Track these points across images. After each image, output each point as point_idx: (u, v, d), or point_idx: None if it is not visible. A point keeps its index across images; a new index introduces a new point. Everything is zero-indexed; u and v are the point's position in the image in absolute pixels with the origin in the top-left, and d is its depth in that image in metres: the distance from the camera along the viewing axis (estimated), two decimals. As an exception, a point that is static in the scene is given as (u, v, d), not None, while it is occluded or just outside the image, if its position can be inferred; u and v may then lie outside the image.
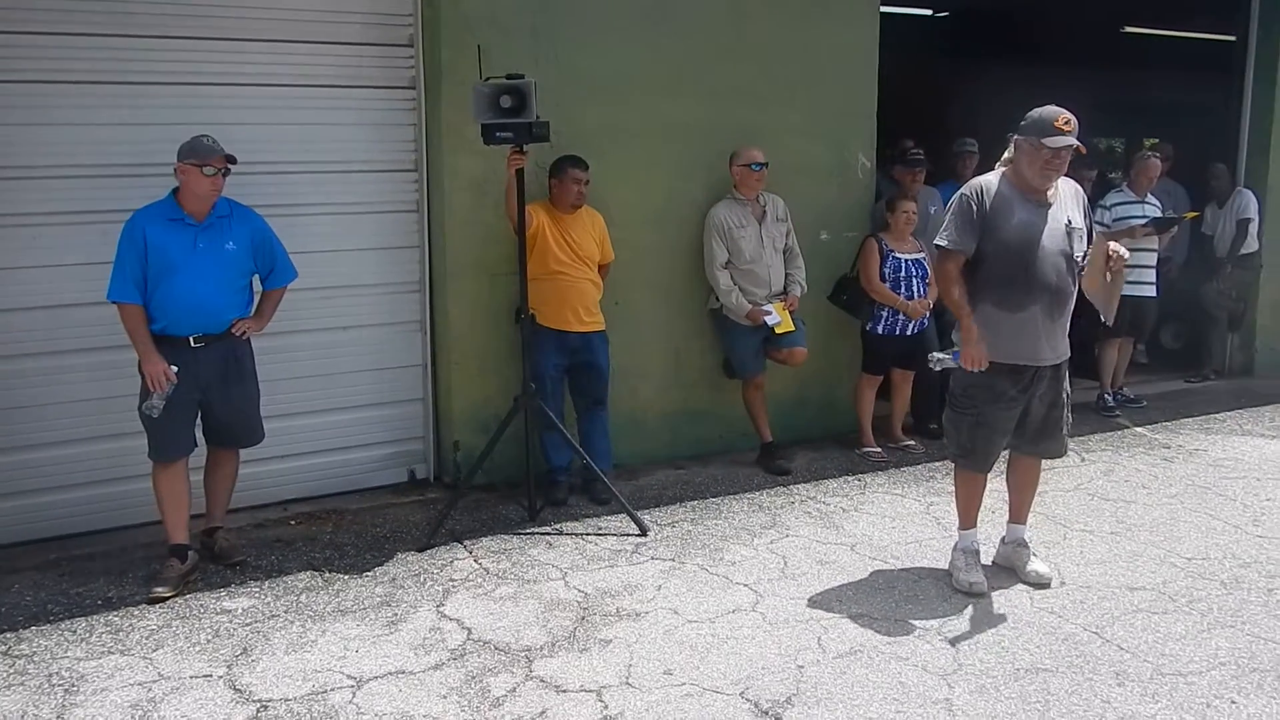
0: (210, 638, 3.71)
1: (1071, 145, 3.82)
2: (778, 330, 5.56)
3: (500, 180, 4.86)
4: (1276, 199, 7.79)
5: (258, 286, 4.42)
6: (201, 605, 3.98)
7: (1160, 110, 9.52)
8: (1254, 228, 7.74)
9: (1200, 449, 6.13)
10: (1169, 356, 8.65)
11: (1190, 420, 6.81)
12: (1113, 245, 4.00)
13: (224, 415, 4.30)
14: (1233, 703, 3.24)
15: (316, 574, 4.29)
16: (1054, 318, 3.95)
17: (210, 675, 3.44)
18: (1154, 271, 7.08)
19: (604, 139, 5.40)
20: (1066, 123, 3.80)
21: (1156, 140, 9.03)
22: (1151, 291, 7.07)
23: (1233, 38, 8.36)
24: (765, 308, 5.53)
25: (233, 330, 4.24)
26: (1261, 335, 8.17)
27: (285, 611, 3.93)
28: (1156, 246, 7.05)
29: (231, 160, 4.12)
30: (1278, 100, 7.95)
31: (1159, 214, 7.00)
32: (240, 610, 3.94)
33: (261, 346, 4.53)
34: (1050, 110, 3.84)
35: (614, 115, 5.47)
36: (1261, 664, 3.48)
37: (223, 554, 4.38)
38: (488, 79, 4.44)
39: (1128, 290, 6.84)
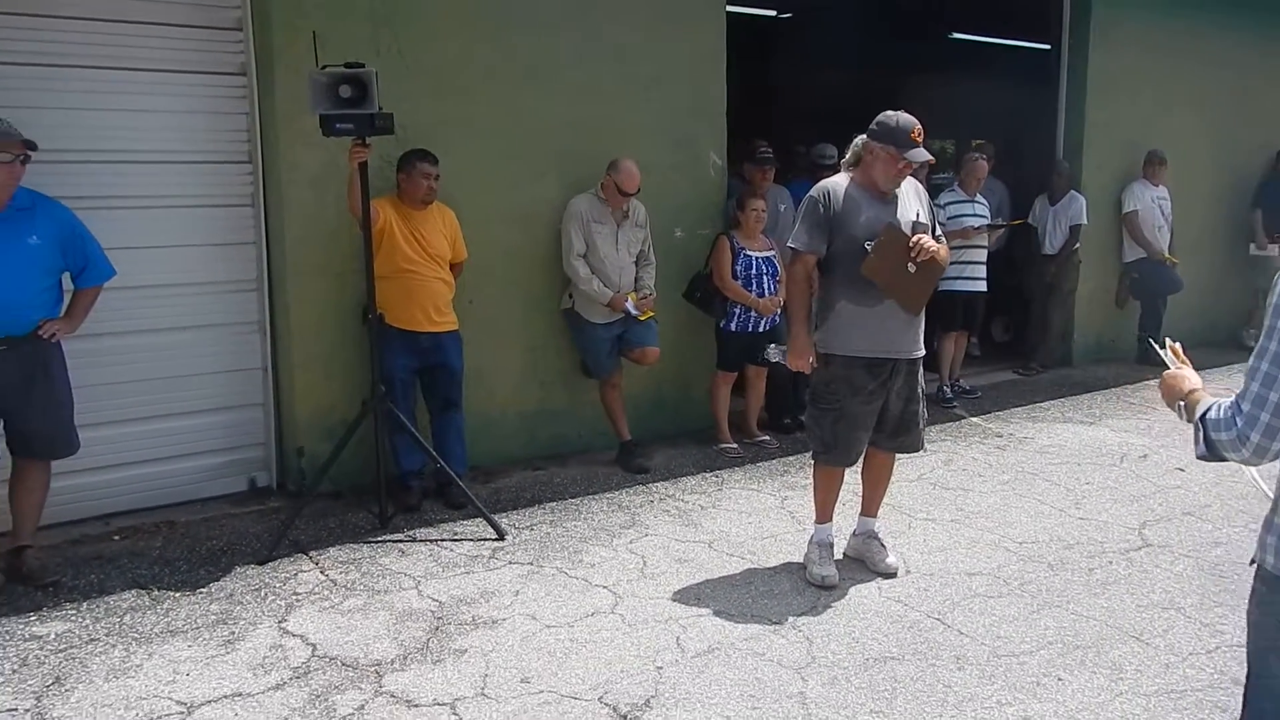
0: (17, 667, 3.39)
1: (928, 159, 4.00)
2: (641, 318, 5.55)
3: (343, 174, 4.66)
4: (1091, 197, 8.31)
5: (69, 285, 4.11)
6: (7, 632, 3.64)
7: (985, 113, 10.05)
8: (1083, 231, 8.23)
9: (1029, 437, 6.48)
10: (998, 348, 9.14)
11: (1019, 409, 7.19)
12: (919, 235, 3.98)
13: (28, 424, 3.96)
14: (1059, 680, 3.41)
15: (143, 592, 4.00)
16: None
17: (15, 709, 3.14)
18: (985, 268, 7.45)
19: (452, 133, 5.25)
20: (920, 134, 3.94)
21: (981, 141, 9.45)
22: (983, 287, 7.44)
23: (1048, 46, 8.88)
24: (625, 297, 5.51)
25: (39, 332, 3.92)
26: (1079, 327, 8.71)
27: (106, 635, 3.64)
28: (986, 244, 7.43)
29: (31, 146, 3.81)
30: (1088, 105, 8.51)
31: (987, 212, 7.40)
32: (53, 635, 3.62)
33: (80, 349, 4.24)
34: (905, 121, 3.94)
35: (461, 109, 5.32)
36: (1084, 641, 3.68)
37: (32, 575, 4.04)
38: (324, 67, 4.23)
39: (963, 286, 7.21)
